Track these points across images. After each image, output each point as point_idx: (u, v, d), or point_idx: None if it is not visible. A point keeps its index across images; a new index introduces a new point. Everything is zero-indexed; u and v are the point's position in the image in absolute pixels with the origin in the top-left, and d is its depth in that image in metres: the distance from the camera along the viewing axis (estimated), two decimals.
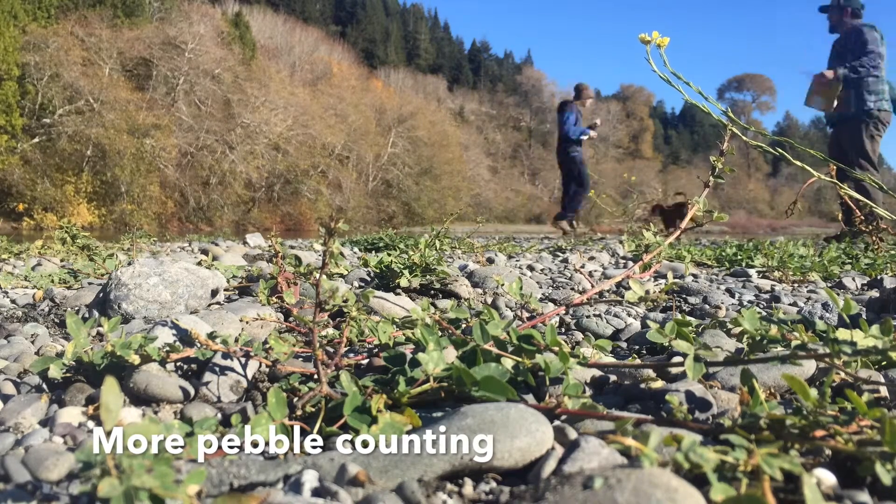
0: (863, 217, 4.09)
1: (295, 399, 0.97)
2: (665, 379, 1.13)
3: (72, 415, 0.97)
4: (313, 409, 0.95)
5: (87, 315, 1.83)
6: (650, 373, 1.15)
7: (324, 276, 1.00)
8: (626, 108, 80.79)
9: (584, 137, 9.30)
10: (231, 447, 0.85)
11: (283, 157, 40.04)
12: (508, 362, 1.05)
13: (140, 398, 1.06)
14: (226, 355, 1.15)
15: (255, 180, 38.63)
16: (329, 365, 1.09)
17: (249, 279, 2.42)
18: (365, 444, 0.81)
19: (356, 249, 4.89)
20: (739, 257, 3.74)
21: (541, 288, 2.67)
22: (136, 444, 0.60)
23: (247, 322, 1.47)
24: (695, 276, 3.19)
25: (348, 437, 0.86)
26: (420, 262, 2.35)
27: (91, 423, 0.96)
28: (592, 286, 1.62)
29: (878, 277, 2.92)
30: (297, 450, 0.85)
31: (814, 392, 0.79)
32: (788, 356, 0.94)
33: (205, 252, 4.14)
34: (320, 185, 41.58)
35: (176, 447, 0.71)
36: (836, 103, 6.27)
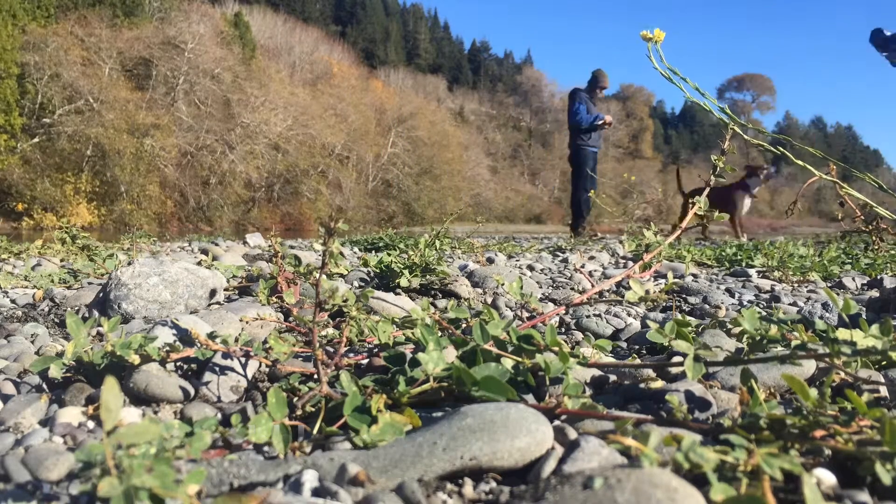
0: (863, 217, 4.09)
1: (295, 399, 0.97)
2: (665, 379, 1.13)
3: (72, 415, 0.96)
4: (313, 409, 0.95)
5: (87, 315, 1.83)
6: (650, 373, 1.15)
7: (324, 276, 1.00)
8: (626, 107, 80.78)
9: None
10: (231, 447, 0.85)
11: (283, 157, 40.04)
12: (508, 362, 1.05)
13: (140, 398, 1.06)
14: (226, 355, 1.15)
15: (254, 180, 38.64)
16: (329, 365, 1.09)
17: (249, 279, 2.42)
18: (365, 444, 0.81)
19: (356, 249, 4.89)
20: (739, 257, 3.74)
21: (541, 288, 2.67)
22: (137, 444, 0.60)
23: (247, 322, 1.47)
24: (695, 275, 3.19)
25: (349, 436, 0.86)
26: (420, 262, 2.35)
27: (91, 423, 0.96)
28: (592, 286, 1.62)
29: (878, 277, 2.92)
30: (297, 450, 0.85)
31: (814, 392, 0.79)
32: (788, 356, 0.94)
33: (205, 252, 4.14)
34: (320, 185, 41.58)
35: (176, 447, 0.71)
36: None
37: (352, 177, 44.49)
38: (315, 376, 1.07)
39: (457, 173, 51.47)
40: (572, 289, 2.64)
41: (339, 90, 48.30)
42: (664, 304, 2.20)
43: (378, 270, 2.43)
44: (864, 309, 1.84)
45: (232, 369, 1.15)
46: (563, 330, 1.77)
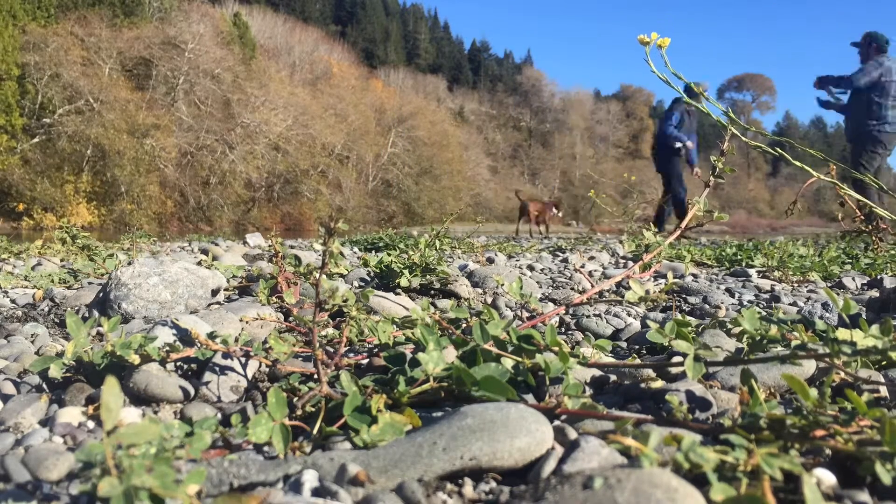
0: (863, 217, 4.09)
1: (295, 399, 0.97)
2: (665, 379, 1.13)
3: (72, 415, 0.96)
4: (313, 409, 0.95)
5: (87, 315, 1.83)
6: (650, 373, 1.15)
7: (324, 276, 1.00)
8: (626, 107, 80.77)
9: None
10: (231, 447, 0.85)
11: (283, 157, 40.01)
12: (508, 362, 1.05)
13: (140, 398, 1.06)
14: (226, 355, 1.15)
15: (254, 180, 38.60)
16: (329, 365, 1.09)
17: (249, 279, 2.42)
18: (365, 444, 0.81)
19: (356, 249, 4.89)
20: (739, 257, 3.74)
21: (541, 288, 2.67)
22: (137, 444, 0.60)
23: (247, 322, 1.47)
24: (695, 275, 3.19)
25: (349, 436, 0.86)
26: (420, 261, 2.35)
27: (91, 423, 0.96)
28: (592, 286, 1.62)
29: (878, 277, 2.92)
30: (297, 450, 0.85)
31: (814, 392, 0.79)
32: (788, 356, 0.94)
33: (205, 252, 4.14)
34: (320, 185, 41.55)
35: (176, 447, 0.71)
36: None
37: (352, 177, 44.47)
38: (315, 376, 1.07)
39: (457, 173, 51.42)
40: (572, 289, 2.64)
41: (339, 90, 48.27)
42: (664, 304, 2.19)
43: (378, 270, 2.43)
44: (864, 309, 1.84)
45: (232, 369, 1.15)
46: (563, 330, 1.77)
